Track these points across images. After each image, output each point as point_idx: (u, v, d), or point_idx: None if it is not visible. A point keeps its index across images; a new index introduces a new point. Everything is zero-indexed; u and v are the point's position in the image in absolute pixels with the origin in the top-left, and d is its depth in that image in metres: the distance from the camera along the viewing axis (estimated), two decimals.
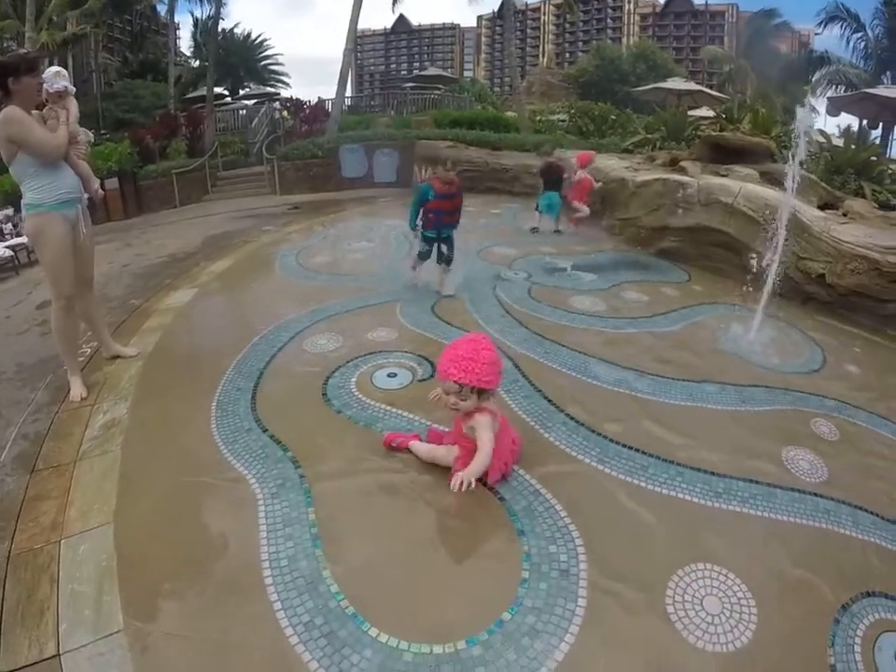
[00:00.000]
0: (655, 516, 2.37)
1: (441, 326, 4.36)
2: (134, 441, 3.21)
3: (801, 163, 4.67)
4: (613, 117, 15.16)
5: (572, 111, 15.67)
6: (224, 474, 2.75)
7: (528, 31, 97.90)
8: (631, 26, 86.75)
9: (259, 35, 39.80)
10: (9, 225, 11.69)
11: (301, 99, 18.52)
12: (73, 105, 3.91)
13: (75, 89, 4.00)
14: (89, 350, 4.51)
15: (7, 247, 9.61)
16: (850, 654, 1.88)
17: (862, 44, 23.85)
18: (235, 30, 37.63)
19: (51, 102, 3.82)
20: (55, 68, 3.88)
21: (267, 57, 40.19)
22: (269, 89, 34.56)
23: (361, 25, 17.44)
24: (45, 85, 3.77)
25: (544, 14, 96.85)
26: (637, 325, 4.48)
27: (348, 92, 20.59)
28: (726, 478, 2.62)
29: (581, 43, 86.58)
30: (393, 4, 23.14)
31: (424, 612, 1.97)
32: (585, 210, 7.91)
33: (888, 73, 23.71)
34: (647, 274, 5.84)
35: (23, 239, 9.97)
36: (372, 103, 24.26)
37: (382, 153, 14.18)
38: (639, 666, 1.82)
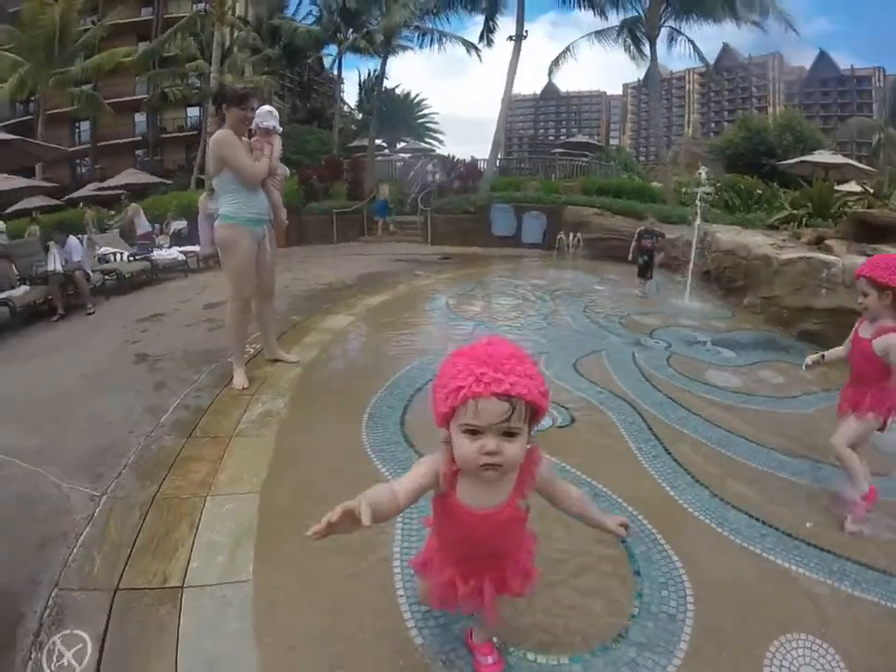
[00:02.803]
0: (766, 582, 2.41)
1: (581, 380, 4.61)
2: (289, 431, 3.60)
3: None
4: (759, 191, 14.76)
5: (717, 184, 15.41)
6: (370, 474, 2.99)
7: (674, 99, 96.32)
8: (776, 94, 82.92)
9: (418, 95, 42.31)
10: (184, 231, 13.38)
11: (456, 158, 19.66)
12: (277, 143, 4.37)
13: (281, 129, 4.47)
14: (252, 350, 5.01)
15: (181, 251, 11.08)
16: None
17: None
18: (396, 89, 40.30)
19: (259, 135, 4.31)
20: (268, 107, 4.36)
21: (424, 116, 42.45)
22: (424, 144, 36.65)
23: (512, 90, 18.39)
24: (256, 120, 4.23)
25: (689, 83, 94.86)
26: (770, 404, 4.43)
27: (499, 155, 21.52)
28: (841, 558, 2.55)
29: (726, 112, 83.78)
30: (549, 72, 24.01)
31: (535, 625, 2.09)
32: None
33: None
34: (785, 356, 5.69)
35: (195, 247, 11.35)
36: (522, 165, 25.07)
37: (530, 215, 14.70)
38: None
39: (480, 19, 21.66)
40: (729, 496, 3.04)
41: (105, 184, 22.05)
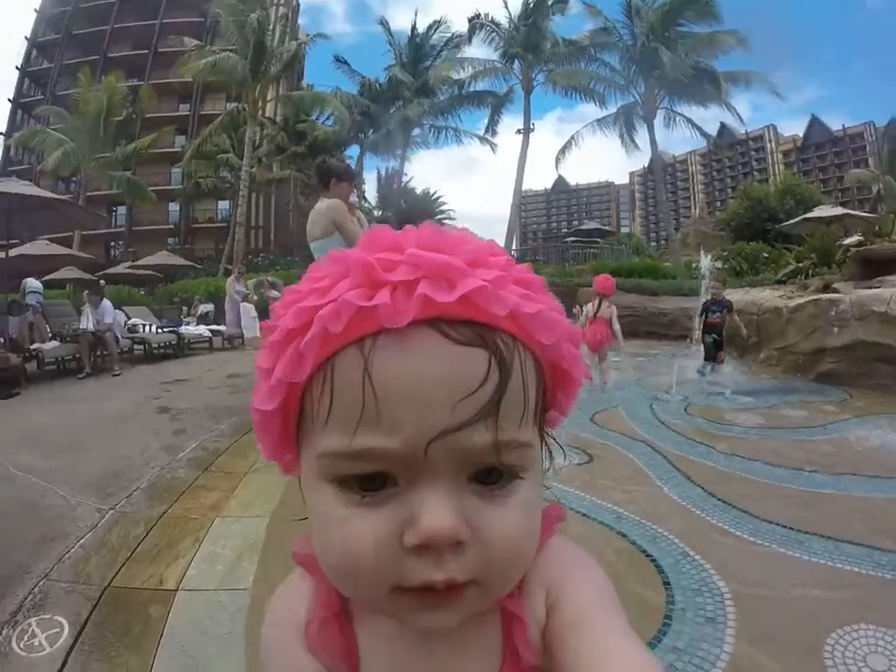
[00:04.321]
0: (811, 581, 2.36)
1: (600, 430, 4.69)
2: None
3: None
4: (766, 254, 15.05)
5: (725, 253, 15.81)
6: None
7: (678, 182, 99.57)
8: (776, 165, 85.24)
9: (436, 192, 44.72)
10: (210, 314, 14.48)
11: None
12: (361, 216, 4.85)
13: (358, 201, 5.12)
14: None
15: (209, 329, 11.86)
16: None
17: None
18: (414, 185, 42.24)
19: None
20: None
21: (442, 212, 44.70)
22: None
23: (523, 186, 19.46)
24: None
25: (691, 165, 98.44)
26: (790, 433, 4.49)
27: (514, 245, 22.36)
28: (889, 553, 2.51)
29: (729, 189, 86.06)
30: (556, 162, 25.39)
31: None
32: None
33: None
34: (805, 396, 5.73)
35: (221, 327, 12.28)
36: (536, 257, 25.87)
37: None
38: None
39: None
40: (758, 511, 3.02)
41: (140, 263, 22.87)
